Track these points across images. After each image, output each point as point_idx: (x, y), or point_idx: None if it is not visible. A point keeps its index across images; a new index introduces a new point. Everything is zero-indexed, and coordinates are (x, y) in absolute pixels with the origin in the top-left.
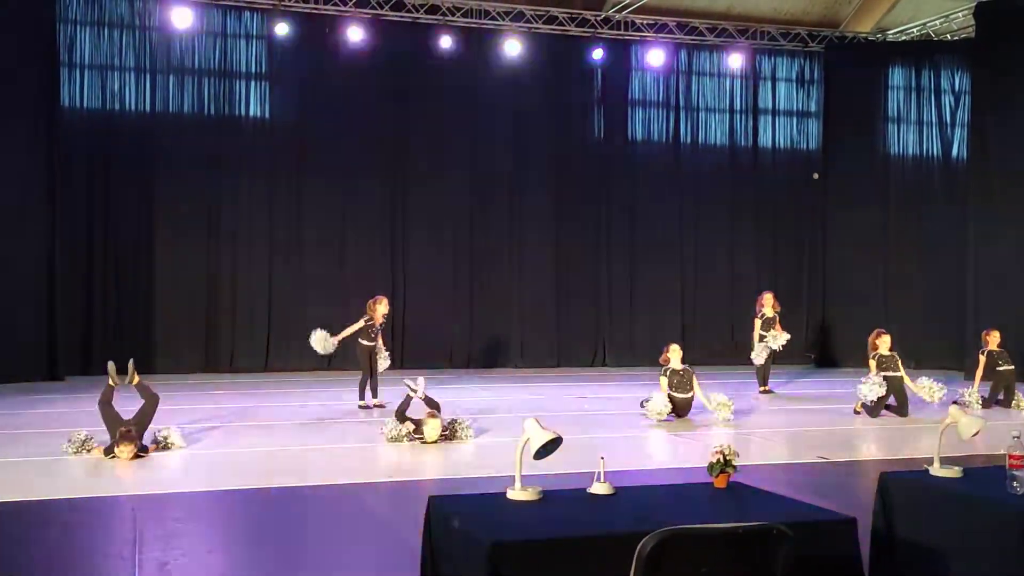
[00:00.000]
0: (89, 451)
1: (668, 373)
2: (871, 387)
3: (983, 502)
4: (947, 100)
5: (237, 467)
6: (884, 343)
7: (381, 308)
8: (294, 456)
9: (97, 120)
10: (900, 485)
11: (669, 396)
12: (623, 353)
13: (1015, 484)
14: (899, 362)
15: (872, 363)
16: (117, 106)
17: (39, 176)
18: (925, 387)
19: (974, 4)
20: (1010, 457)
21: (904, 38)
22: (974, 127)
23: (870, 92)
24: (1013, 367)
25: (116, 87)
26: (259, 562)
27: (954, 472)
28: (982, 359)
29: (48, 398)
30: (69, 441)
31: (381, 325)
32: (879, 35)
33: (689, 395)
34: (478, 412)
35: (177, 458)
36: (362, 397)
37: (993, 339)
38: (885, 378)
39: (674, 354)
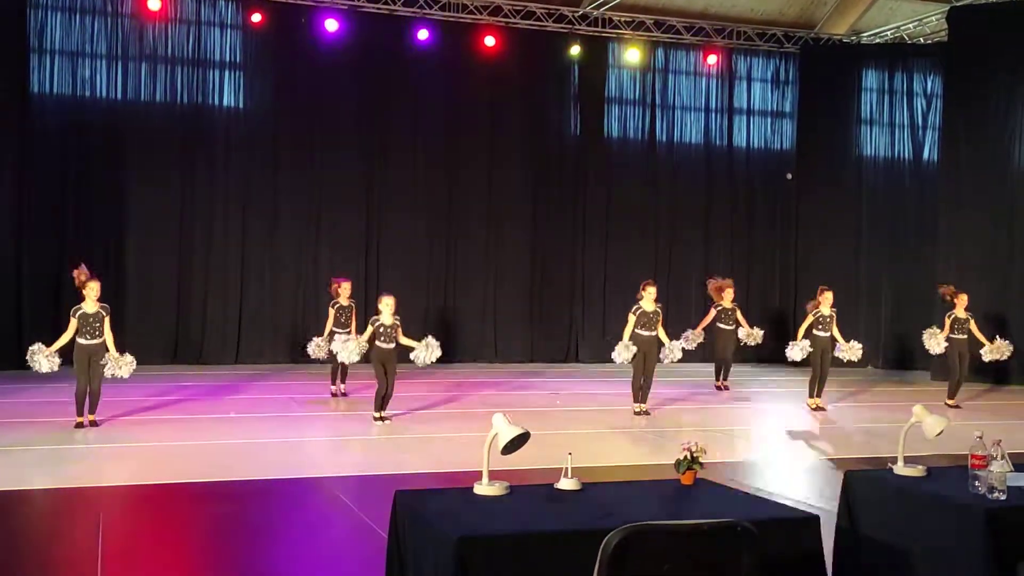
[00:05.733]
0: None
1: (638, 313)
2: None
3: (946, 501)
4: (919, 103)
5: (205, 460)
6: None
7: (343, 290)
8: (261, 449)
9: (68, 107)
10: (864, 483)
11: (634, 334)
12: (596, 349)
13: (977, 483)
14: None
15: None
16: (88, 93)
17: (8, 163)
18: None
19: (947, 8)
20: (972, 457)
21: (878, 41)
22: (945, 130)
23: (844, 94)
24: (966, 338)
25: (87, 74)
26: (223, 555)
27: (918, 471)
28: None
29: (15, 388)
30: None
31: (347, 306)
32: (853, 37)
33: (654, 333)
34: (449, 407)
35: (144, 450)
36: (333, 383)
37: (961, 302)
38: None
39: (648, 295)
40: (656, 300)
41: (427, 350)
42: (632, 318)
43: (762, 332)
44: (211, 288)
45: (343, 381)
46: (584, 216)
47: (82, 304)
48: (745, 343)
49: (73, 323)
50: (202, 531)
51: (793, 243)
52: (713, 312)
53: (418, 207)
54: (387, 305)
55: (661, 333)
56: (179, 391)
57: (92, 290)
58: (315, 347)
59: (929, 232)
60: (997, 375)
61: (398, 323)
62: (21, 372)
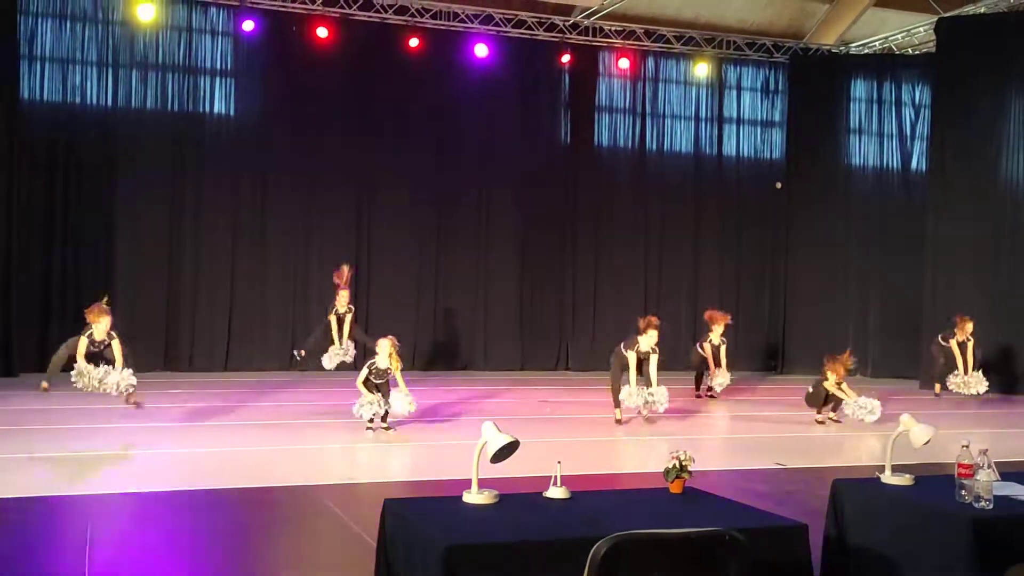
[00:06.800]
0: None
1: (637, 350)
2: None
3: (933, 510)
4: (907, 113)
5: (193, 468)
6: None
7: (340, 298)
8: (250, 457)
9: (58, 114)
10: (852, 492)
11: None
12: (586, 358)
13: (964, 492)
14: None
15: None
16: (78, 100)
17: None
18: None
19: (935, 19)
20: (959, 466)
21: (867, 51)
22: (933, 140)
23: (833, 103)
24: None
25: (78, 80)
26: (212, 564)
27: (905, 480)
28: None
29: (2, 395)
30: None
31: (343, 312)
32: (842, 48)
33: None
34: (439, 415)
35: (132, 458)
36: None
37: (966, 328)
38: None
39: (646, 337)
40: (656, 344)
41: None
42: (632, 356)
43: (728, 377)
44: (201, 295)
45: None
46: (574, 224)
47: (92, 329)
48: (711, 385)
49: (83, 342)
50: (188, 540)
51: (782, 251)
52: (707, 342)
53: (408, 215)
54: (383, 349)
55: (654, 372)
56: (168, 398)
57: (103, 323)
58: (330, 357)
59: (917, 241)
60: (1007, 386)
61: (393, 366)
62: (9, 380)
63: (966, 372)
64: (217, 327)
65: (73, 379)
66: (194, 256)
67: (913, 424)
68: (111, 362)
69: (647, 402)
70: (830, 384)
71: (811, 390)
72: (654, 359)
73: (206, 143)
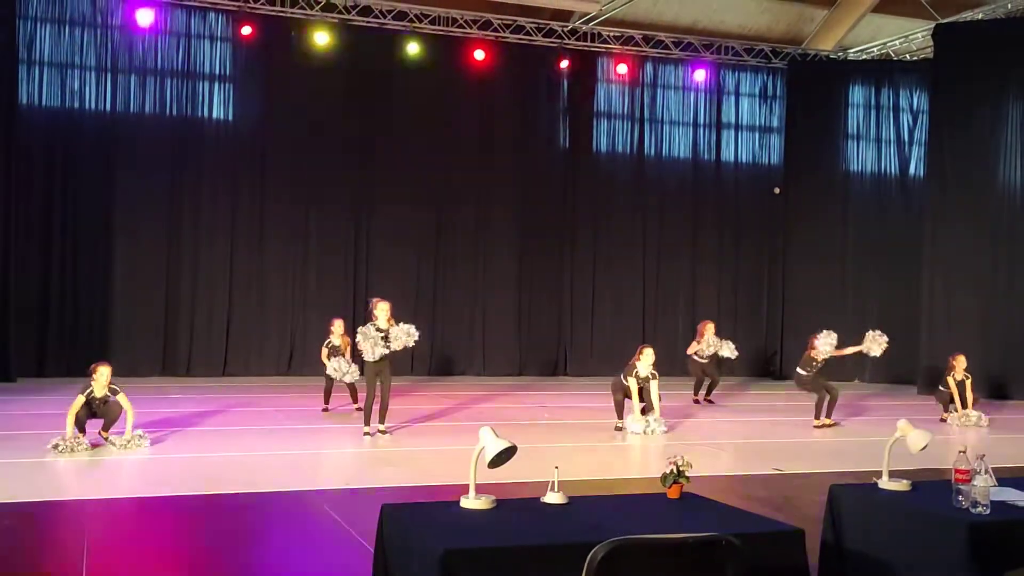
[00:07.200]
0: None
1: (636, 376)
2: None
3: (930, 515)
4: (905, 118)
5: (192, 473)
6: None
7: (335, 328)
8: (249, 462)
9: (56, 119)
10: (849, 497)
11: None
12: (583, 363)
13: (961, 498)
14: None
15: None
16: (77, 105)
17: None
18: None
19: (932, 25)
20: (956, 471)
21: (865, 57)
22: (931, 146)
23: (831, 109)
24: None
25: (76, 86)
26: (210, 570)
27: (902, 485)
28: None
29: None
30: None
31: (339, 346)
32: (841, 53)
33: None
34: (436, 420)
35: (130, 463)
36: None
37: (959, 364)
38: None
39: (644, 360)
40: (653, 364)
41: (406, 337)
42: (633, 383)
43: (733, 345)
44: (199, 300)
45: (355, 399)
46: (573, 229)
47: (92, 387)
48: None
49: (80, 402)
50: (187, 545)
51: (780, 256)
52: (693, 346)
53: (407, 219)
54: (382, 311)
55: (653, 400)
56: (166, 404)
57: (102, 376)
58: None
59: (915, 246)
60: (997, 390)
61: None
62: (7, 385)
63: (963, 407)
64: (215, 333)
65: (58, 447)
66: (192, 261)
67: (910, 429)
68: (109, 418)
69: (646, 431)
70: (818, 353)
71: (803, 372)
72: (655, 384)
73: (205, 148)
